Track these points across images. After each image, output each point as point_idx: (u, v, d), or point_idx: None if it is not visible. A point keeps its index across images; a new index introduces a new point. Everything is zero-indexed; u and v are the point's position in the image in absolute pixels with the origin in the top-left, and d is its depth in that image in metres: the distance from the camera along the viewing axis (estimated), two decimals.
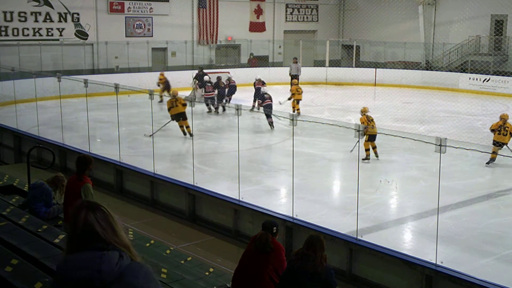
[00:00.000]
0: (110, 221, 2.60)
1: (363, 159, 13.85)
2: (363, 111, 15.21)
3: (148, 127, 15.52)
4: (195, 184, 11.33)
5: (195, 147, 12.32)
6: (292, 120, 10.09)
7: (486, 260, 8.78)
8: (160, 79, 24.02)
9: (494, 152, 13.78)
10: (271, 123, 18.46)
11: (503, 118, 14.33)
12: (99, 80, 15.91)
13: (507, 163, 13.62)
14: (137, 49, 29.10)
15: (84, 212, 2.58)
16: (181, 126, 16.97)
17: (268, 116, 18.31)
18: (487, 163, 13.87)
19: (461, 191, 11.95)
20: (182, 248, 9.46)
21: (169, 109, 17.01)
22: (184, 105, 16.69)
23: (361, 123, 14.22)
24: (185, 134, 16.81)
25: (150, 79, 24.08)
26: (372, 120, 14.96)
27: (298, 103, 21.12)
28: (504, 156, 13.20)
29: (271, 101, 19.47)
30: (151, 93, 12.41)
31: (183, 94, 19.52)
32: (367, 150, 14.27)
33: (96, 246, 2.53)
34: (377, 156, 14.52)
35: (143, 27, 29.83)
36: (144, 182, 12.43)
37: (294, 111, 20.19)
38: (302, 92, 21.40)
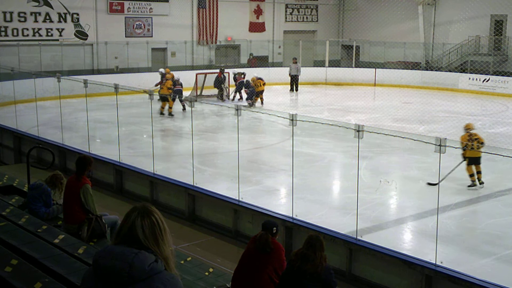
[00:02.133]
0: (156, 231, 2.72)
1: (468, 186, 12.04)
2: (468, 128, 12.31)
3: (147, 128, 15.52)
4: (194, 184, 11.33)
5: (195, 147, 12.30)
6: (292, 120, 10.08)
7: (486, 260, 8.77)
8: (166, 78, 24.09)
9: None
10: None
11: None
12: (99, 80, 15.92)
13: (507, 164, 13.59)
14: (137, 50, 29.10)
15: (134, 215, 2.72)
16: (162, 108, 20.48)
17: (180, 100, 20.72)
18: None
19: (461, 191, 11.94)
20: (182, 248, 9.45)
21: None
22: (169, 89, 20.54)
23: (461, 141, 11.98)
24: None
25: (150, 80, 24.07)
26: (476, 139, 11.98)
27: (261, 93, 23.09)
28: (503, 156, 13.19)
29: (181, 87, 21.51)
30: (150, 94, 12.41)
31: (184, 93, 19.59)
32: (471, 175, 12.08)
33: (136, 247, 2.64)
34: (480, 183, 12.08)
35: (143, 27, 29.83)
36: (144, 182, 12.43)
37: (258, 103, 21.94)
38: (264, 84, 23.38)
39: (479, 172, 12.14)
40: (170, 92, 20.46)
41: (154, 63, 29.70)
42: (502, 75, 28.50)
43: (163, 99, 20.61)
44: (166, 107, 20.67)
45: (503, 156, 13.24)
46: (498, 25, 31.27)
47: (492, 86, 27.89)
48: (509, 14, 30.37)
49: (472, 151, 11.80)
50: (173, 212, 11.63)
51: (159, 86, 22.49)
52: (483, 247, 9.27)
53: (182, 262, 8.01)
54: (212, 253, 9.62)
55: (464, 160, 12.04)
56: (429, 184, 12.05)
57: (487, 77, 28.57)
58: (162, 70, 23.70)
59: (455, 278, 7.66)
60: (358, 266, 8.85)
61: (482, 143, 11.98)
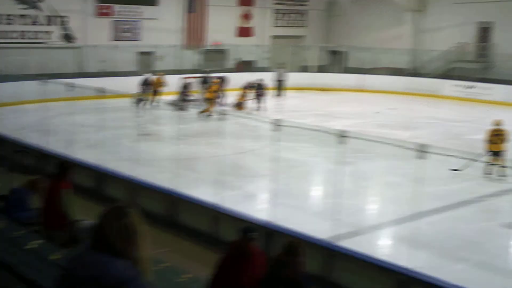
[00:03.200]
0: (129, 234, 2.59)
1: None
2: (496, 124, 14.11)
3: (131, 132, 15.51)
4: (175, 189, 11.35)
5: (176, 152, 12.35)
6: (276, 125, 10.14)
7: (461, 266, 8.89)
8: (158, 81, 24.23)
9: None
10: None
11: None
12: (86, 84, 15.91)
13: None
14: (124, 53, 29.05)
15: (107, 216, 2.63)
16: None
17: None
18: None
19: (439, 197, 12.05)
20: (159, 254, 9.46)
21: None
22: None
23: (486, 135, 13.90)
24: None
25: (137, 83, 24.08)
26: (500, 134, 13.82)
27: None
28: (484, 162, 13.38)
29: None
30: (137, 97, 12.41)
31: (168, 98, 19.62)
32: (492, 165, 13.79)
33: (109, 250, 2.55)
34: (500, 175, 13.63)
35: (131, 31, 29.83)
36: (125, 187, 12.42)
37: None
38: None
39: (502, 166, 13.53)
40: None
41: (141, 67, 29.68)
42: (487, 82, 28.75)
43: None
44: None
45: (483, 162, 13.52)
46: (484, 33, 31.55)
47: (477, 93, 28.11)
48: (495, 22, 30.66)
49: (494, 145, 13.53)
50: (152, 217, 11.60)
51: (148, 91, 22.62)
52: (458, 252, 9.38)
53: (159, 267, 8.01)
54: (190, 259, 9.62)
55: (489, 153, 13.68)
56: (453, 170, 13.63)
57: (472, 83, 28.81)
58: (149, 75, 23.80)
59: (430, 284, 7.73)
60: (335, 272, 8.89)
61: (504, 140, 13.67)
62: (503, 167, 13.54)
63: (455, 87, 29.37)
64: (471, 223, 10.85)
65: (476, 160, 13.37)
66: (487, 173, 13.71)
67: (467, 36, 31.55)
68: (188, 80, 23.66)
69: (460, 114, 24.24)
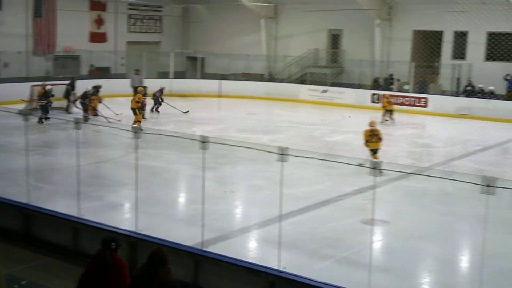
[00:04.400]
0: None
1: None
2: (371, 124, 15.24)
3: None
4: (30, 203, 10.63)
5: (30, 163, 11.56)
6: (136, 132, 9.83)
7: (326, 263, 9.12)
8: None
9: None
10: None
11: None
12: None
13: (344, 171, 14.30)
14: None
15: None
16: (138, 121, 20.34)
17: None
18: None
19: (302, 197, 12.35)
20: (16, 272, 8.80)
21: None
22: (137, 102, 20.65)
23: (363, 135, 15.11)
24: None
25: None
26: (376, 135, 15.02)
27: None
28: (340, 163, 13.89)
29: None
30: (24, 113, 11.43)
31: (16, 107, 18.43)
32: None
33: None
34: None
35: None
36: None
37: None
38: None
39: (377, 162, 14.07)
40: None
41: None
42: (339, 86, 30.22)
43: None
44: None
45: (340, 162, 14.03)
46: (334, 39, 33.17)
47: (330, 97, 29.42)
48: (343, 29, 32.33)
49: (372, 143, 14.84)
50: (8, 233, 10.78)
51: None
52: (323, 250, 9.64)
53: (16, 286, 7.48)
54: (50, 274, 9.05)
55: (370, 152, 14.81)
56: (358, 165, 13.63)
57: (325, 88, 30.14)
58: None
59: (297, 282, 7.84)
60: (204, 277, 8.76)
61: (380, 138, 14.99)
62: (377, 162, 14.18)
63: (310, 91, 30.55)
64: (334, 221, 11.21)
65: (367, 160, 13.75)
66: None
67: (319, 42, 33.01)
68: (49, 87, 22.38)
69: (316, 117, 25.21)
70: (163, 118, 24.18)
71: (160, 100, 25.47)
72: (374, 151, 14.91)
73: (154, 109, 25.28)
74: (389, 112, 24.34)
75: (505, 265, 9.16)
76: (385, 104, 24.69)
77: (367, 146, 15.01)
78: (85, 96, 22.46)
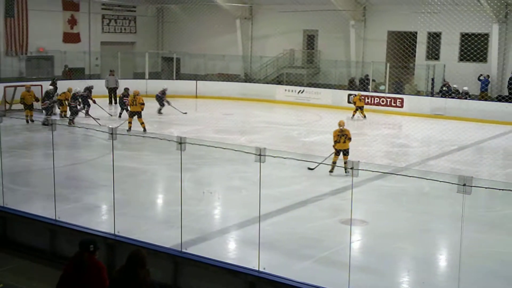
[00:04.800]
0: None
1: (329, 171, 14.48)
2: (340, 124, 14.86)
3: None
4: (5, 205, 10.47)
5: (5, 165, 11.39)
6: (112, 134, 9.73)
7: (305, 263, 9.13)
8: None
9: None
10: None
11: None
12: None
13: (322, 171, 14.37)
14: None
15: None
16: (129, 123, 19.89)
17: None
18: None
19: (280, 198, 12.36)
20: None
21: (129, 106, 20.37)
22: (142, 104, 20.01)
23: (333, 135, 14.73)
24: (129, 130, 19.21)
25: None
26: (345, 135, 14.64)
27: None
28: (318, 163, 13.96)
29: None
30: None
31: None
32: (333, 163, 14.53)
33: None
34: (346, 172, 13.66)
35: None
36: None
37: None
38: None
39: (346, 162, 13.70)
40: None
41: None
42: (315, 87, 30.35)
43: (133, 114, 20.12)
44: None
45: (317, 163, 14.12)
46: (310, 40, 33.30)
47: (307, 97, 29.52)
48: (319, 30, 32.46)
49: (341, 144, 14.51)
50: None
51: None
52: (302, 250, 9.64)
53: None
54: (27, 277, 8.94)
55: (334, 151, 14.59)
56: (309, 168, 14.34)
57: (302, 88, 30.22)
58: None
59: (276, 283, 7.84)
60: (183, 279, 8.72)
61: (350, 138, 14.70)
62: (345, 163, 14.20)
63: (287, 92, 30.61)
64: (312, 221, 11.23)
65: (327, 158, 13.97)
66: (331, 170, 14.33)
67: (294, 43, 33.11)
68: (50, 88, 22.24)
69: (293, 118, 25.26)
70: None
71: (163, 101, 25.28)
72: (344, 152, 14.59)
73: (159, 111, 25.19)
74: (360, 108, 25.09)
75: (482, 264, 9.27)
76: (356, 101, 25.44)
77: (335, 146, 14.68)
78: (74, 97, 21.80)
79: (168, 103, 25.23)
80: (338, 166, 14.26)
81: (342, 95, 29.06)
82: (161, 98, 25.27)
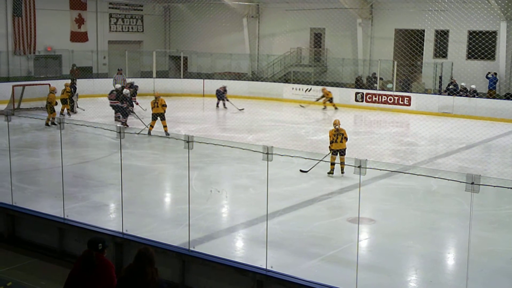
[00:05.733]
0: None
1: (328, 173, 14.33)
2: (335, 124, 14.50)
3: None
4: (14, 204, 10.52)
5: (13, 164, 11.45)
6: (119, 132, 9.76)
7: (313, 262, 9.12)
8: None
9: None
10: None
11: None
12: None
13: (329, 169, 14.37)
14: None
15: None
16: (151, 126, 19.24)
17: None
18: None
19: (288, 197, 12.37)
20: (1, 273, 8.71)
21: (152, 108, 19.50)
22: (164, 105, 19.31)
23: (329, 135, 14.47)
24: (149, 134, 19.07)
25: None
26: (342, 134, 14.27)
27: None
28: (326, 162, 13.96)
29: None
30: (6, 114, 11.24)
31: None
32: (332, 164, 14.31)
33: None
34: (342, 172, 14.27)
35: None
36: None
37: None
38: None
39: (342, 163, 14.21)
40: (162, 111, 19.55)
41: None
42: (322, 85, 30.31)
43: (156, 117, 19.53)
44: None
45: (325, 161, 14.11)
46: (317, 38, 33.26)
47: (314, 96, 29.46)
48: (326, 28, 32.42)
49: (337, 144, 14.16)
50: None
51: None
52: (309, 249, 9.64)
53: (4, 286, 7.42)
54: (36, 276, 8.97)
55: (331, 151, 14.29)
56: (301, 171, 14.40)
57: (309, 87, 30.20)
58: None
59: (284, 281, 7.84)
60: (191, 277, 8.73)
61: (346, 137, 14.36)
62: (344, 163, 14.22)
63: (294, 90, 30.59)
64: (320, 220, 11.22)
65: (321, 160, 13.90)
66: (331, 172, 14.29)
67: (301, 41, 33.08)
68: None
69: (300, 116, 25.24)
70: (145, 118, 24.03)
71: (224, 98, 26.89)
72: (341, 152, 14.23)
73: (223, 105, 27.12)
74: (330, 100, 27.35)
75: (490, 262, 9.24)
76: (327, 92, 27.50)
77: (332, 147, 14.29)
78: (124, 98, 21.44)
79: (227, 100, 26.79)
80: (337, 163, 14.25)
81: (349, 94, 29.04)
82: (222, 94, 26.86)
